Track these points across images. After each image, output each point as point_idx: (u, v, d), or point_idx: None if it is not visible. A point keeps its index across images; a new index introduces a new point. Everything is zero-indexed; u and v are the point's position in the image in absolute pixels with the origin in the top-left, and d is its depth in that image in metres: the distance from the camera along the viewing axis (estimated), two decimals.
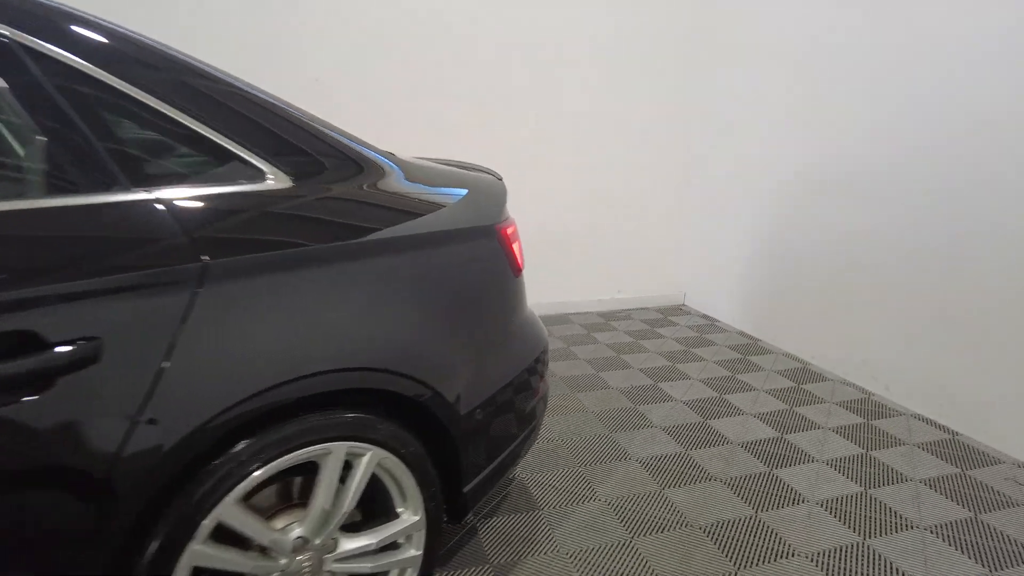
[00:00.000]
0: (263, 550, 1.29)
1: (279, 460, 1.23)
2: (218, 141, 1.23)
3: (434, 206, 1.54)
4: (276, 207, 1.26)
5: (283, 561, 1.30)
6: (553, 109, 4.28)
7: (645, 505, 2.18)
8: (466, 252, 1.58)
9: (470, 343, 1.57)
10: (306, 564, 1.33)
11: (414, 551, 1.51)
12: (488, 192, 1.76)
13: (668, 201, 4.73)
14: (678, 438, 2.67)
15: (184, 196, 1.15)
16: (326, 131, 1.42)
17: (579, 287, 4.70)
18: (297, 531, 1.32)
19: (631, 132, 4.50)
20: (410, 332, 1.41)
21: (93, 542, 1.04)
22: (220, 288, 1.14)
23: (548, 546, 1.96)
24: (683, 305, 4.94)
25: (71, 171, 1.06)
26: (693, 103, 4.55)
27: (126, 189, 1.09)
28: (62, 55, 1.08)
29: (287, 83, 3.75)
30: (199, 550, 1.16)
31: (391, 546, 1.52)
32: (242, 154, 1.25)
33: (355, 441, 1.33)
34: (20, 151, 1.08)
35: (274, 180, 1.28)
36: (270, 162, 1.29)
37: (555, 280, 4.63)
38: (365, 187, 1.42)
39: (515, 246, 1.77)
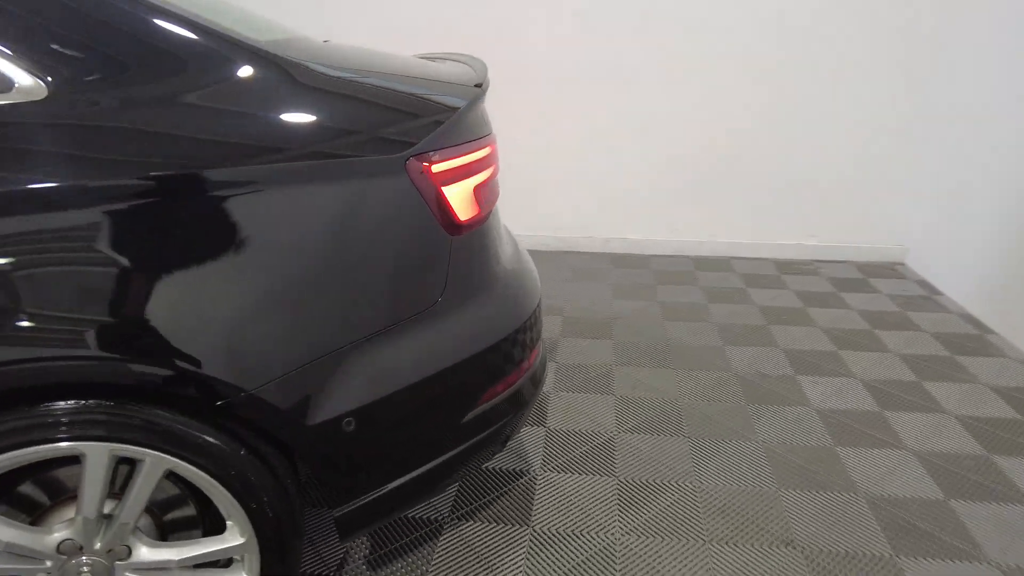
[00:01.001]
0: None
1: None
2: None
3: (293, 126, 1.06)
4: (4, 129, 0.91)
5: (48, 563, 1.08)
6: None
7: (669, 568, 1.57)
8: (335, 195, 1.08)
9: (333, 330, 1.11)
10: (85, 568, 1.09)
11: (245, 575, 1.19)
12: (419, 103, 1.20)
13: (896, 121, 3.40)
14: (779, 469, 1.90)
15: None
16: (150, 15, 1.01)
17: (758, 225, 3.73)
18: (62, 533, 1.07)
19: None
20: (207, 314, 1.00)
21: None
22: None
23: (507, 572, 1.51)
24: (901, 264, 3.66)
25: None
26: None
27: None
28: None
29: None
30: None
31: (226, 562, 1.22)
32: None
33: (116, 443, 1.01)
34: None
35: (20, 91, 0.93)
36: (24, 65, 0.93)
37: (726, 213, 3.73)
38: (176, 98, 1.00)
39: (454, 189, 1.21)
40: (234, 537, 1.15)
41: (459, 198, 1.22)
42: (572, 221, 3.89)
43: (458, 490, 1.82)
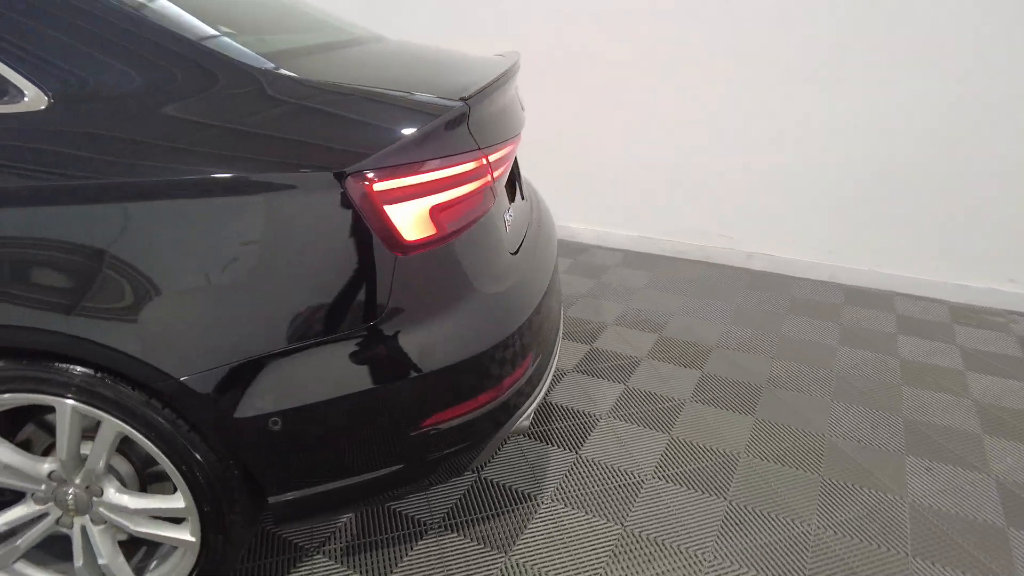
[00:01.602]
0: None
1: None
2: None
3: (241, 138, 1.12)
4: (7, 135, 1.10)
5: (42, 486, 1.30)
6: None
7: None
8: (269, 207, 1.12)
9: (261, 336, 1.16)
10: (70, 498, 1.30)
11: (189, 536, 1.32)
12: (378, 117, 1.19)
13: None
14: (822, 563, 1.58)
15: None
16: (147, 31, 1.14)
17: (937, 258, 3.08)
18: (50, 465, 1.29)
19: None
20: (147, 304, 1.11)
21: None
22: None
23: None
24: None
25: None
26: None
27: None
28: None
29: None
30: None
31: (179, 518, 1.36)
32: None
33: (78, 402, 1.18)
34: None
35: (28, 101, 1.11)
36: (31, 77, 1.11)
37: (896, 238, 3.14)
38: (140, 110, 1.11)
39: (401, 209, 1.18)
40: (178, 501, 1.28)
41: (407, 218, 1.19)
42: (712, 228, 3.56)
43: (461, 497, 1.81)
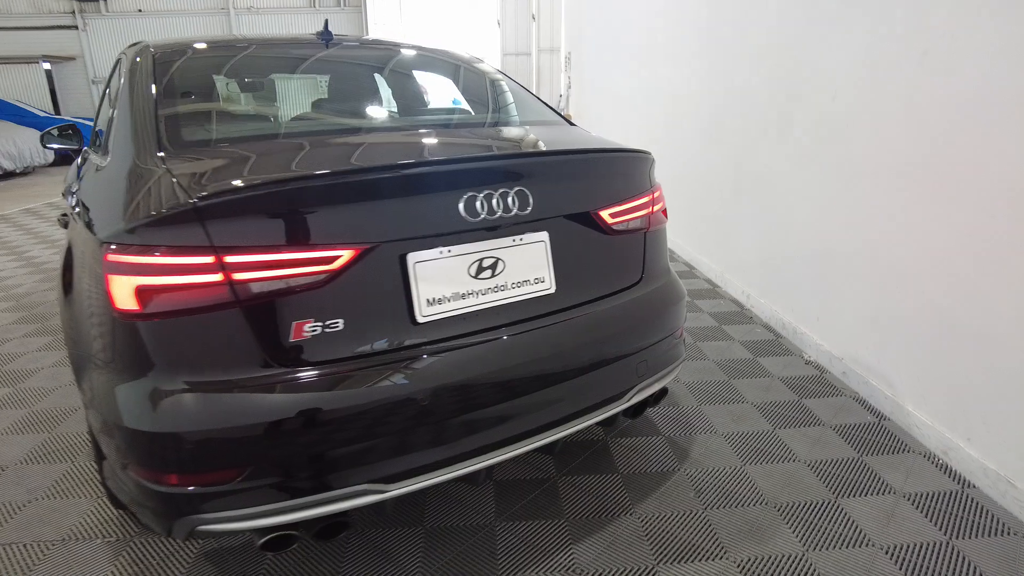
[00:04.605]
0: None
1: None
2: None
3: (108, 201, 1.61)
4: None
5: None
6: None
7: None
8: (94, 252, 1.50)
9: (83, 337, 1.61)
10: None
11: None
12: (157, 206, 1.41)
13: None
14: None
15: None
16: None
17: None
18: None
19: None
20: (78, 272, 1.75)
21: None
22: None
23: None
24: None
25: None
26: None
27: None
28: None
29: None
30: None
31: None
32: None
33: None
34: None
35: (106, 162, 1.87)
36: (112, 150, 1.85)
37: None
38: (118, 168, 1.73)
39: (118, 280, 1.35)
40: None
41: (120, 289, 1.35)
42: None
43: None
